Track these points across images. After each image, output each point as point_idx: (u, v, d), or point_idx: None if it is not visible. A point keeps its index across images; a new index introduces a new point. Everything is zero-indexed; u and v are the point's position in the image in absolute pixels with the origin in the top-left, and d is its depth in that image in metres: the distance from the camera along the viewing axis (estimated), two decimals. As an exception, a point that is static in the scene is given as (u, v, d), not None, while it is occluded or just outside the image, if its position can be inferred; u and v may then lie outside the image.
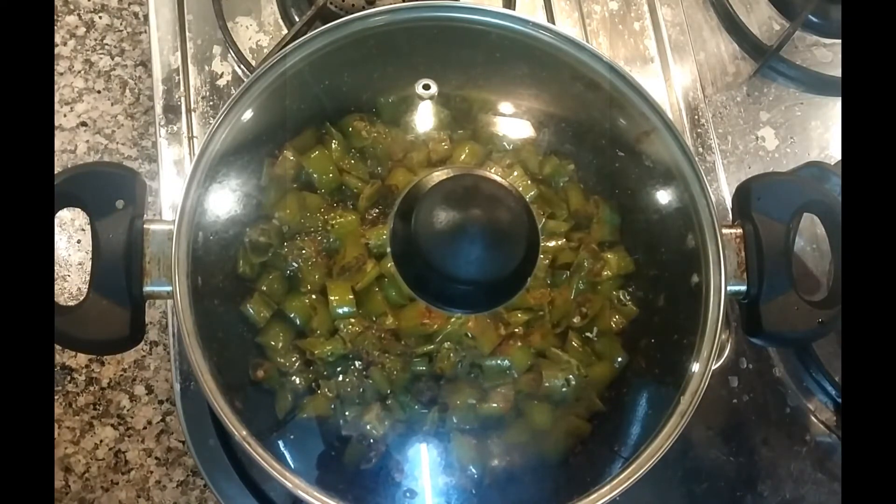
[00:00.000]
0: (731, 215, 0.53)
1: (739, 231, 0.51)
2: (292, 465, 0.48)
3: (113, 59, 0.68)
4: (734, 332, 0.63)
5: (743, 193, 0.52)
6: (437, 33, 0.55)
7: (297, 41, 0.52)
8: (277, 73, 0.52)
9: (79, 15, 0.69)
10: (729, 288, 0.50)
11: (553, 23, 0.70)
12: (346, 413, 0.52)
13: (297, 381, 0.53)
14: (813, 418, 0.64)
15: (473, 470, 0.51)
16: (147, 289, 0.48)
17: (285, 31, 0.66)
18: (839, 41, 0.73)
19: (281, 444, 0.50)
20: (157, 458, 0.60)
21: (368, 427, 0.50)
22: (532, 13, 0.70)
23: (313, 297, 0.50)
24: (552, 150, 0.54)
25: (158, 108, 0.63)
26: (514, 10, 0.67)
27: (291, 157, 0.52)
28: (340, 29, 0.52)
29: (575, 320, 0.53)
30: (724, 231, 0.50)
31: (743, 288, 0.50)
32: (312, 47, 0.52)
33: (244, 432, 0.47)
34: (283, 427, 0.52)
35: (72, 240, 0.63)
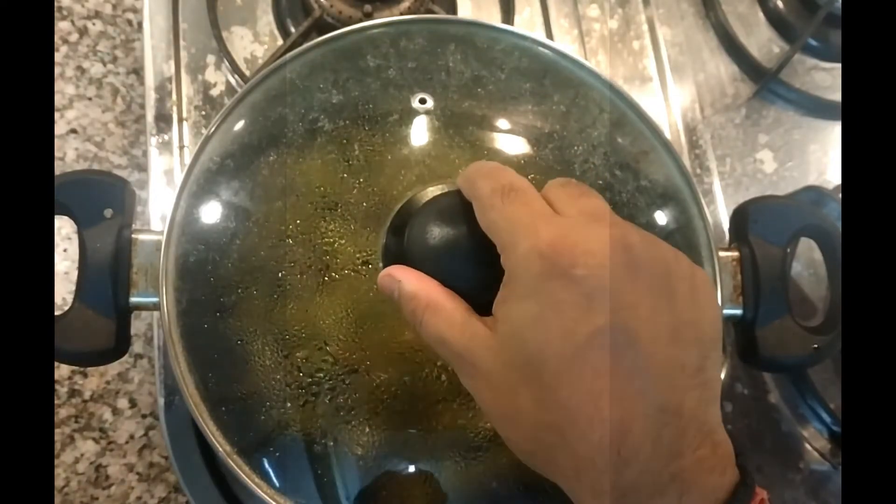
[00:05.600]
0: (727, 238, 0.52)
1: (736, 254, 0.50)
2: (278, 484, 0.47)
3: (105, 66, 0.68)
4: (729, 357, 0.62)
5: (740, 216, 0.52)
6: (435, 48, 0.55)
7: (292, 52, 0.51)
8: (271, 83, 0.51)
9: (72, 21, 0.68)
10: (725, 311, 0.49)
11: (552, 39, 0.69)
12: (335, 431, 0.51)
13: (285, 396, 0.52)
14: (807, 446, 0.63)
15: (461, 492, 0.50)
16: (133, 300, 0.48)
17: (281, 41, 0.66)
18: (839, 65, 0.73)
19: (266, 461, 0.49)
20: (138, 473, 0.58)
21: (356, 447, 0.50)
22: (531, 29, 0.70)
23: (304, 310, 0.49)
24: (549, 167, 0.54)
25: (150, 117, 0.63)
26: (512, 25, 0.67)
27: (285, 169, 0.51)
28: (337, 41, 0.52)
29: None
30: (721, 254, 0.50)
31: (739, 312, 0.50)
32: (307, 58, 0.52)
33: (228, 448, 0.46)
34: (270, 444, 0.52)
35: (58, 248, 0.62)
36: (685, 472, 0.31)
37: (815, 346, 0.49)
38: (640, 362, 0.31)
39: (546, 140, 0.55)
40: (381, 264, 0.47)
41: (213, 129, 0.49)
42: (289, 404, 0.49)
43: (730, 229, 0.52)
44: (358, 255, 0.49)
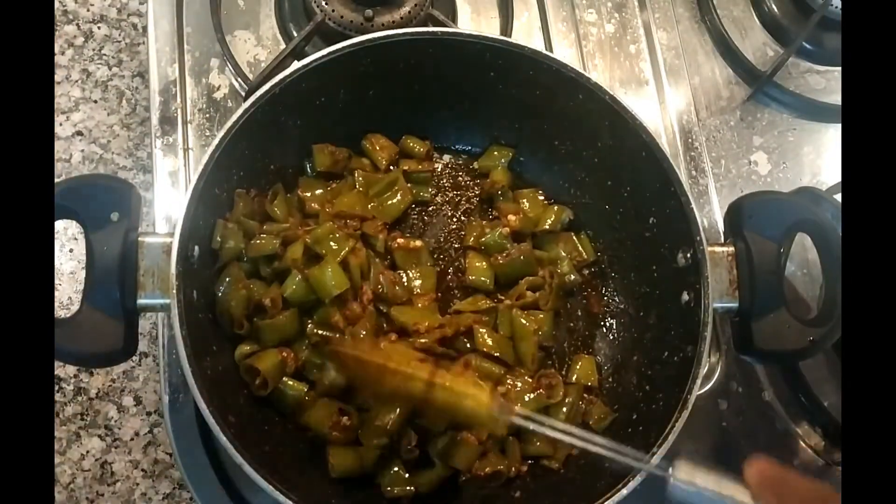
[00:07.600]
0: (722, 235, 0.53)
1: (731, 249, 0.51)
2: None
3: (111, 69, 0.68)
4: (724, 356, 0.63)
5: (735, 212, 0.52)
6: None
7: (297, 67, 0.53)
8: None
9: (77, 25, 0.69)
10: (721, 305, 0.50)
11: (550, 44, 0.70)
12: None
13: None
14: (801, 443, 0.63)
15: None
16: (141, 301, 0.48)
17: (283, 45, 0.67)
18: (832, 68, 0.74)
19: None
20: (143, 469, 0.59)
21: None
22: (529, 35, 0.70)
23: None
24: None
25: (155, 120, 0.63)
26: (510, 35, 0.68)
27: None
28: (340, 50, 0.54)
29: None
30: (717, 249, 0.51)
31: (735, 305, 0.50)
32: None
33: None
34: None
35: (64, 248, 0.62)
36: None
37: (811, 338, 0.49)
38: None
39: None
40: None
41: (220, 143, 0.50)
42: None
43: (725, 224, 0.53)
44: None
